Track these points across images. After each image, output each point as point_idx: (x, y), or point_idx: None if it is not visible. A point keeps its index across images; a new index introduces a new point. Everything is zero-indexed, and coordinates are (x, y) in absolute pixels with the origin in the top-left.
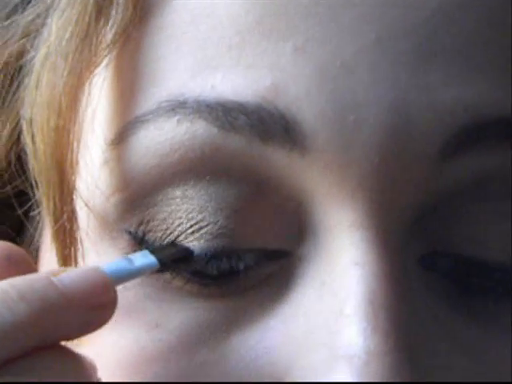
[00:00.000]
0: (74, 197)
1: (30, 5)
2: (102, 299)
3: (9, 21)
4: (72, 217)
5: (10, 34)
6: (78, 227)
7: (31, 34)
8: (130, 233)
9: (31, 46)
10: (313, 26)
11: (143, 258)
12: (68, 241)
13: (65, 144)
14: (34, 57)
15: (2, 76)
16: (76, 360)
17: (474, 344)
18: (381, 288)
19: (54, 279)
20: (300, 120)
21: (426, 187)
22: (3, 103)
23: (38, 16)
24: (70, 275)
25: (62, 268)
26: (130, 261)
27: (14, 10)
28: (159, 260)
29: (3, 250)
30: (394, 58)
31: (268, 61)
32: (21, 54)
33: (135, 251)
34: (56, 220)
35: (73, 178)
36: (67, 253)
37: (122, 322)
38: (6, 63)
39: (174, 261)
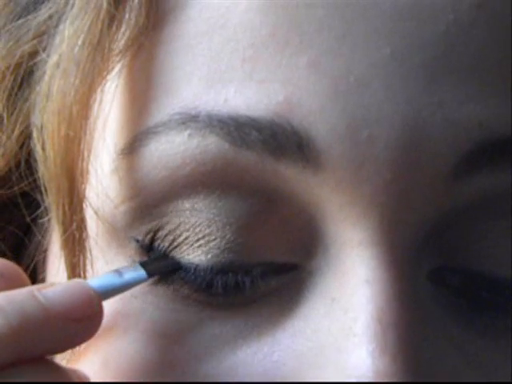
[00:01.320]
0: (84, 205)
1: (43, 5)
2: (86, 312)
3: (21, 20)
4: (81, 225)
5: (21, 34)
6: (87, 235)
7: (43, 35)
8: (137, 241)
9: (43, 49)
10: (327, 39)
11: (133, 272)
12: (77, 249)
13: (75, 152)
14: (45, 60)
15: (13, 76)
16: (61, 374)
17: (484, 359)
18: (390, 307)
19: (36, 293)
20: (313, 136)
21: (438, 204)
22: (14, 105)
23: (50, 17)
24: (54, 289)
25: (50, 283)
26: (120, 274)
27: (26, 10)
28: (148, 273)
29: None
30: (409, 74)
31: (281, 75)
32: (32, 55)
33: (143, 259)
34: (65, 228)
35: (83, 186)
36: (76, 261)
37: (131, 331)
38: (18, 64)
39: (164, 274)
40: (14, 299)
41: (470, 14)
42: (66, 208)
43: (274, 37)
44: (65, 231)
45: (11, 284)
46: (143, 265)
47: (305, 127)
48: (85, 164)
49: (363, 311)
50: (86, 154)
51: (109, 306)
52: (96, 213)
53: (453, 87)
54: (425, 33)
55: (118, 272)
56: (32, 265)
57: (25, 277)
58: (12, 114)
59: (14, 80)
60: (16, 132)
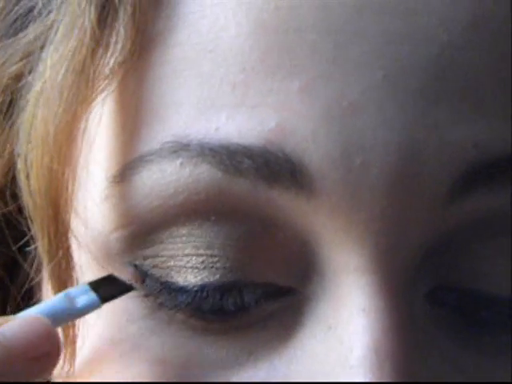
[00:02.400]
0: (70, 234)
1: (30, 25)
2: (45, 349)
3: (8, 40)
4: (67, 254)
5: (9, 55)
6: (73, 264)
7: (29, 56)
8: (135, 266)
9: (28, 71)
10: (319, 63)
11: (85, 296)
12: (64, 277)
13: (60, 182)
14: (29, 85)
15: (1, 98)
16: None
17: (484, 377)
18: (387, 338)
19: None
20: (306, 163)
21: (434, 227)
22: (1, 130)
23: (37, 39)
24: (11, 327)
25: (5, 317)
26: (71, 299)
27: (14, 29)
28: (101, 297)
29: None
30: (403, 97)
31: (273, 100)
32: (19, 76)
33: (138, 283)
34: (51, 257)
35: (68, 215)
36: (63, 289)
37: (127, 356)
38: (6, 86)
39: (116, 296)
40: None
41: (465, 34)
42: (52, 237)
43: (264, 61)
44: (51, 260)
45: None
46: (93, 286)
47: (298, 154)
48: (70, 194)
49: (359, 341)
50: (70, 183)
51: (104, 330)
52: (84, 242)
53: (447, 109)
54: (418, 55)
55: (69, 297)
56: (26, 285)
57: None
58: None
59: (1, 104)
60: (3, 158)
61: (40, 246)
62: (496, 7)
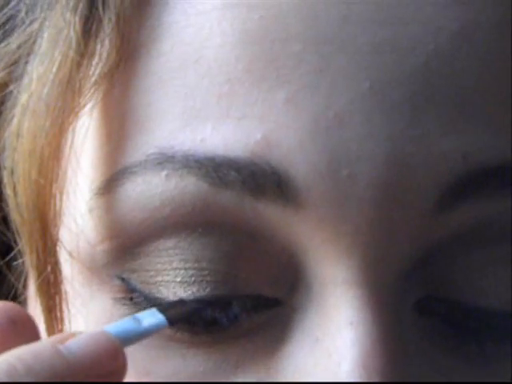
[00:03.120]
0: (58, 248)
1: (14, 32)
2: (111, 367)
3: None
4: (56, 268)
5: None
6: (61, 278)
7: (13, 65)
8: (122, 279)
9: (14, 80)
10: (304, 74)
11: (151, 318)
12: (52, 291)
13: (47, 195)
14: (14, 97)
15: None
16: None
17: None
18: (375, 351)
19: (60, 348)
20: (293, 175)
21: (422, 239)
22: None
23: (20, 48)
24: (78, 343)
25: (70, 333)
26: (138, 321)
27: None
28: (168, 319)
29: (7, 312)
30: (389, 108)
31: (259, 112)
32: (3, 86)
33: (125, 296)
34: (40, 272)
35: (56, 229)
36: (51, 304)
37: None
38: None
39: (184, 319)
40: (41, 357)
41: (452, 43)
42: (40, 252)
43: (250, 72)
44: (39, 275)
45: (24, 332)
46: (161, 310)
47: (284, 166)
48: (58, 207)
49: (347, 355)
50: (58, 196)
51: None
52: (70, 254)
53: (435, 119)
54: (405, 65)
55: (136, 318)
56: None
57: (35, 324)
58: None
59: None
60: None
61: (28, 260)
62: (484, 16)
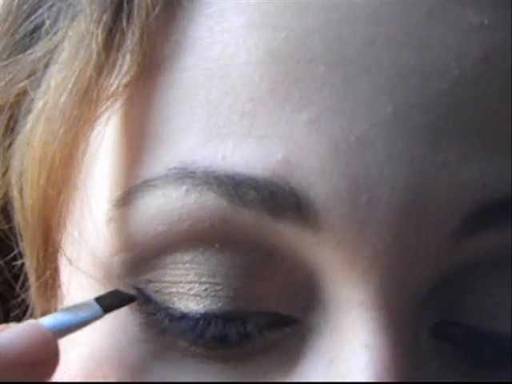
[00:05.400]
0: (59, 255)
1: (39, 41)
2: (41, 356)
3: (16, 57)
4: (55, 273)
5: (16, 72)
6: (60, 282)
7: (35, 74)
8: (138, 289)
9: (33, 89)
10: (328, 96)
11: (87, 308)
12: (49, 294)
13: (54, 202)
14: (30, 103)
15: (8, 115)
16: None
17: None
18: (388, 374)
19: None
20: (312, 197)
21: (440, 265)
22: (7, 145)
23: (44, 57)
24: (8, 334)
25: (3, 325)
26: (74, 312)
27: (22, 46)
28: (104, 308)
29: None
30: (411, 134)
31: (281, 132)
32: (26, 94)
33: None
34: (38, 276)
35: (59, 236)
36: (48, 305)
37: (125, 380)
38: (14, 102)
39: (119, 307)
40: None
41: (476, 69)
42: (40, 257)
43: (273, 92)
44: (38, 278)
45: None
46: (98, 300)
47: (303, 188)
48: (63, 215)
49: (361, 379)
50: (65, 204)
51: (104, 352)
52: (71, 262)
53: (457, 147)
54: (428, 90)
55: (72, 309)
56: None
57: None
58: (4, 155)
59: (8, 120)
60: (6, 177)
61: (28, 263)
62: (508, 43)
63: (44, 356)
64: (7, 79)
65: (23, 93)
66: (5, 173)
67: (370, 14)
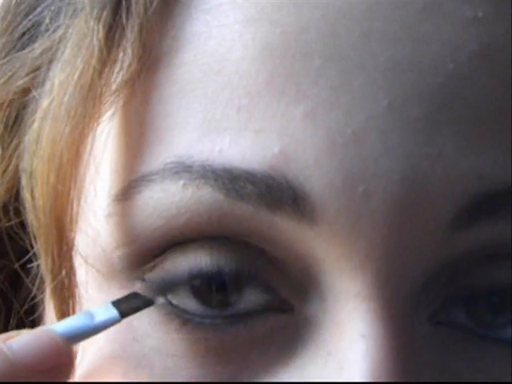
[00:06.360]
0: (73, 253)
1: (38, 39)
2: (54, 362)
3: (15, 55)
4: (70, 273)
5: (15, 69)
6: (76, 283)
7: (36, 71)
8: (143, 280)
9: (35, 87)
10: (323, 90)
11: (105, 312)
12: (66, 295)
13: (65, 200)
14: (35, 102)
15: (7, 113)
16: None
17: None
18: (387, 364)
19: (1, 345)
20: (308, 190)
21: (436, 256)
22: (5, 145)
23: (44, 53)
24: (19, 340)
25: (15, 332)
26: (90, 316)
27: (21, 44)
28: (121, 312)
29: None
30: (407, 126)
31: (277, 126)
32: (25, 91)
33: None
34: (54, 276)
35: (72, 234)
36: (65, 307)
37: (130, 375)
38: (11, 100)
39: (136, 311)
40: None
41: (471, 63)
42: (55, 256)
43: (269, 86)
44: (54, 279)
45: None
46: (115, 304)
47: (300, 181)
48: (74, 212)
49: (358, 368)
50: (75, 201)
51: (108, 347)
52: (86, 260)
53: (452, 139)
54: (424, 84)
55: (89, 314)
56: (29, 298)
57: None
58: (4, 153)
59: (8, 117)
60: (7, 173)
61: (43, 264)
62: (502, 38)
63: (56, 363)
64: (6, 77)
65: (24, 90)
66: (5, 170)
67: (365, 9)
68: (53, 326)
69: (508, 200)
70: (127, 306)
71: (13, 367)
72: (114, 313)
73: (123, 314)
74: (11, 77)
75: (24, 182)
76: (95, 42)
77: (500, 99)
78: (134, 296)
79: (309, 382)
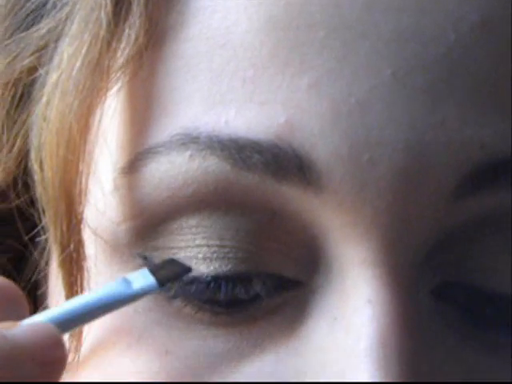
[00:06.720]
0: (82, 226)
1: (42, 20)
2: (52, 355)
3: (20, 35)
4: (79, 246)
5: (20, 49)
6: (84, 256)
7: (42, 50)
8: (144, 257)
9: (41, 65)
10: (328, 60)
11: (142, 280)
12: (74, 268)
13: (74, 173)
14: (43, 77)
15: (12, 92)
16: None
17: (485, 374)
18: (393, 328)
19: (4, 332)
20: (314, 159)
21: (439, 224)
22: (12, 121)
23: (49, 32)
24: (21, 329)
25: (14, 322)
26: (128, 283)
27: (25, 25)
28: (159, 281)
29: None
30: (410, 95)
31: (282, 97)
32: (31, 70)
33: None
34: (63, 249)
35: (81, 207)
36: (73, 280)
37: (133, 348)
38: (17, 79)
39: (174, 279)
40: None
41: (472, 34)
42: (64, 229)
43: (274, 57)
44: (62, 252)
45: (14, 309)
46: (152, 271)
47: (306, 150)
48: (83, 185)
49: (365, 332)
50: (84, 174)
51: (111, 320)
52: (94, 233)
53: (455, 108)
54: (426, 54)
55: (127, 281)
56: (33, 278)
57: (26, 304)
58: (11, 129)
59: (14, 95)
60: (15, 148)
61: (52, 237)
62: (504, 8)
63: (53, 356)
64: (11, 57)
65: (30, 69)
66: (13, 145)
67: None
68: (90, 293)
69: (508, 169)
70: (165, 274)
71: (14, 352)
72: (151, 280)
73: (161, 282)
74: (16, 56)
75: (33, 155)
76: (103, 15)
77: (500, 70)
78: (171, 262)
79: (310, 382)
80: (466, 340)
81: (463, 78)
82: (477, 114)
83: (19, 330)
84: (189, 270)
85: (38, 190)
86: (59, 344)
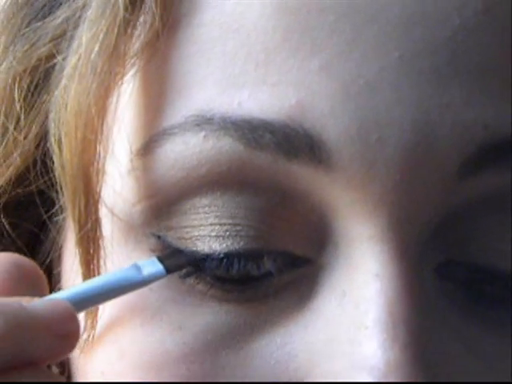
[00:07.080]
0: (99, 205)
1: (59, 9)
2: (67, 328)
3: (37, 24)
4: (96, 224)
5: (37, 38)
6: (101, 234)
7: (59, 38)
8: (158, 237)
9: (59, 52)
10: (337, 43)
11: (151, 267)
12: (91, 247)
13: (92, 153)
14: (61, 63)
15: (30, 78)
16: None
17: (490, 352)
18: (400, 301)
19: (24, 303)
20: (325, 139)
21: (445, 202)
22: (30, 106)
23: (67, 21)
24: (39, 301)
25: (32, 298)
26: (138, 269)
27: (42, 13)
28: (167, 268)
29: (16, 262)
30: (417, 77)
31: (294, 79)
32: (49, 58)
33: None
34: (81, 227)
35: (98, 186)
36: (90, 258)
37: (147, 324)
38: (35, 67)
39: (181, 268)
40: (8, 306)
41: (476, 19)
42: (82, 208)
43: (286, 41)
44: (80, 230)
45: (30, 283)
46: (161, 260)
47: (316, 130)
48: (101, 165)
49: (374, 304)
50: (102, 155)
51: (127, 298)
52: (111, 212)
53: (460, 90)
54: (432, 37)
55: (137, 267)
56: (48, 260)
57: (43, 277)
58: (29, 114)
59: (31, 82)
60: (33, 132)
61: (70, 216)
62: None
63: (69, 329)
64: (28, 45)
65: (47, 57)
66: (28, 132)
67: None
68: (104, 275)
69: (508, 149)
70: (172, 262)
71: (32, 321)
72: (159, 267)
73: (168, 270)
74: (33, 44)
75: (52, 137)
76: (120, 2)
77: (502, 53)
78: (179, 252)
79: (310, 382)
80: (468, 318)
81: (467, 60)
82: (481, 96)
83: (39, 302)
84: (194, 261)
85: (57, 170)
86: (74, 319)
